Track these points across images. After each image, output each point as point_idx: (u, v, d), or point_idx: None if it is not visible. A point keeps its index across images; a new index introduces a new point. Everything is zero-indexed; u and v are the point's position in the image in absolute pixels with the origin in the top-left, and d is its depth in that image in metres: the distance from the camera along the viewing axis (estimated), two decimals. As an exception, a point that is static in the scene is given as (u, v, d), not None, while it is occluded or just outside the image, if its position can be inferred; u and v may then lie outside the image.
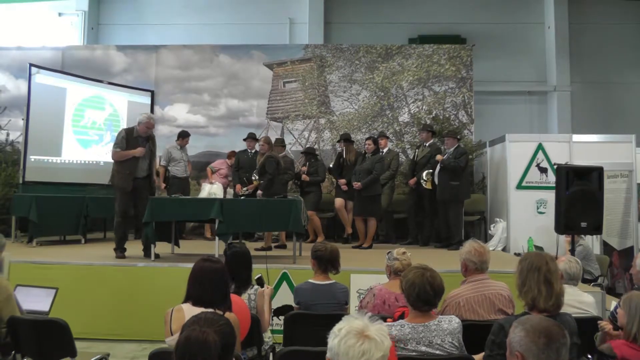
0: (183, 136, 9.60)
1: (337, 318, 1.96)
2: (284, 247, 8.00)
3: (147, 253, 6.67)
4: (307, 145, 10.43)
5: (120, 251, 6.74)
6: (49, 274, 5.92)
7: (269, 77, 11.10)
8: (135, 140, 6.82)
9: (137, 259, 6.56)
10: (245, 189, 8.58)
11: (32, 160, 9.13)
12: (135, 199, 6.84)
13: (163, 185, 9.42)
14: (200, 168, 10.43)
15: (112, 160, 6.89)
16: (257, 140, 9.25)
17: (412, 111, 10.69)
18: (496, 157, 9.64)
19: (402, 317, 3.19)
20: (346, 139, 9.08)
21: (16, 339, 3.74)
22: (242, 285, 4.04)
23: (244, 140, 9.37)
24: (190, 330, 2.06)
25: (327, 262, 4.27)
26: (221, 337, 2.06)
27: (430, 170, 8.58)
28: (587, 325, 3.51)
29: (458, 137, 8.91)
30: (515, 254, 7.98)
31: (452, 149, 8.45)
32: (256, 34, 12.11)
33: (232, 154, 9.14)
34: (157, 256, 6.59)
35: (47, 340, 3.70)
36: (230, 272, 3.64)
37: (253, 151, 9.18)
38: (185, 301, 3.10)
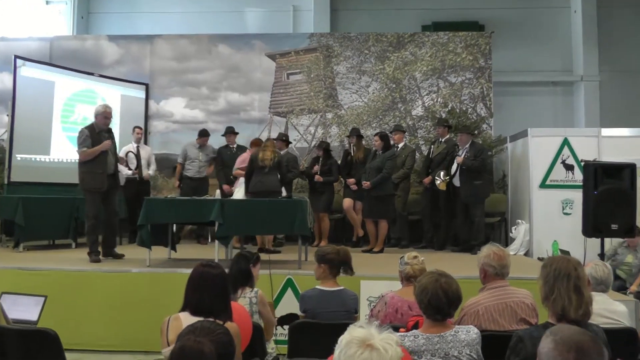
0: (201, 135, 9.65)
1: (346, 327, 1.96)
2: (276, 251, 7.99)
3: (112, 253, 7.05)
4: (314, 142, 10.43)
5: (95, 254, 6.86)
6: (37, 281, 5.93)
7: (272, 69, 11.10)
8: (98, 136, 7.00)
9: (131, 264, 6.57)
10: (234, 187, 8.61)
11: (18, 159, 9.19)
12: (105, 198, 7.03)
13: (177, 183, 9.48)
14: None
15: (78, 163, 7.06)
16: (236, 134, 9.44)
17: (426, 104, 10.68)
18: (518, 154, 9.61)
19: (416, 326, 3.18)
20: (358, 135, 9.08)
21: (2, 350, 3.75)
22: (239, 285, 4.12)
23: (223, 135, 9.49)
24: (185, 339, 2.07)
25: (340, 265, 4.29)
26: (218, 347, 2.06)
27: (447, 171, 8.53)
28: (618, 337, 3.46)
29: (473, 132, 8.87)
30: (538, 258, 7.96)
31: (467, 146, 8.43)
32: (257, 22, 12.13)
33: (256, 142, 8.78)
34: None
35: (35, 351, 3.70)
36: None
37: (235, 146, 9.29)
38: (182, 310, 3.11)
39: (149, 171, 9.51)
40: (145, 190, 9.23)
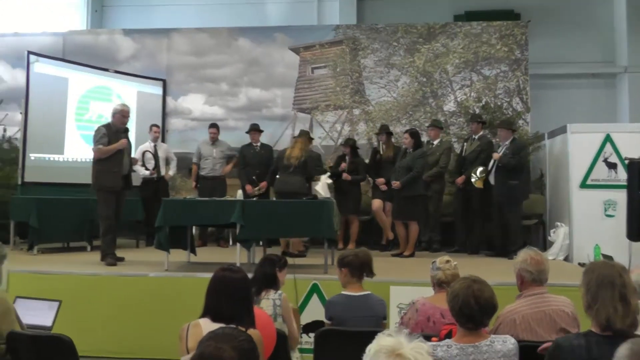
0: (210, 127, 9.72)
1: (374, 335, 1.96)
2: (301, 255, 8.00)
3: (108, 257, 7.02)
4: (340, 140, 10.42)
5: (112, 257, 6.97)
6: (52, 285, 6.04)
7: (295, 63, 11.14)
8: (115, 135, 7.14)
9: (148, 268, 6.64)
10: (257, 188, 8.64)
11: (32, 158, 9.31)
12: (116, 199, 7.14)
13: (194, 184, 9.55)
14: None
15: (93, 161, 7.20)
16: (261, 132, 9.39)
17: (458, 99, 10.63)
18: (556, 151, 9.51)
19: (449, 336, 3.17)
20: (387, 132, 9.08)
21: (16, 357, 3.81)
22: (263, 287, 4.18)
23: (247, 132, 9.46)
24: (205, 346, 2.08)
25: (360, 267, 4.31)
26: (240, 354, 2.07)
27: (485, 168, 8.46)
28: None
29: (514, 128, 8.79)
30: (579, 264, 7.86)
31: (507, 143, 8.36)
32: (280, 14, 12.15)
33: (348, 142, 9.08)
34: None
35: (49, 358, 3.76)
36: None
37: (259, 145, 9.29)
38: (203, 315, 3.13)
39: (170, 171, 9.60)
40: (164, 191, 9.30)
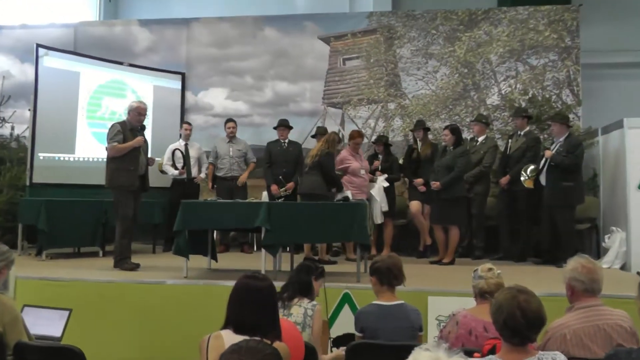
0: (225, 123, 9.77)
1: (410, 349, 1.95)
2: (331, 262, 8.03)
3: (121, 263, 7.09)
4: (374, 136, 10.40)
5: (128, 262, 7.05)
6: (61, 293, 6.11)
7: (325, 54, 11.16)
8: (130, 133, 7.27)
9: (166, 274, 6.69)
10: (283, 189, 8.66)
11: (41, 158, 9.45)
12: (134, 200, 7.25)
13: (210, 184, 9.60)
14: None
15: (107, 159, 7.30)
16: (290, 128, 9.37)
17: (503, 91, 10.55)
18: (611, 149, 9.39)
19: (492, 351, 3.15)
20: (424, 127, 9.08)
21: (24, 369, 3.87)
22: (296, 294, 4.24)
23: (275, 128, 9.42)
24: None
25: (388, 274, 4.31)
26: (265, 369, 2.08)
27: (536, 166, 8.35)
28: None
29: (569, 123, 8.67)
30: (637, 273, 7.77)
31: (562, 139, 8.26)
32: (309, 1, 12.18)
33: (354, 134, 8.94)
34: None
35: (59, 371, 3.81)
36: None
37: (286, 142, 9.27)
38: (224, 327, 3.14)
39: (201, 174, 9.68)
40: (194, 194, 9.35)
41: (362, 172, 8.59)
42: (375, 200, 8.58)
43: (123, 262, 7.06)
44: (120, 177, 7.15)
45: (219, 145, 9.67)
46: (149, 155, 7.77)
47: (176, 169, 9.24)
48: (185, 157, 9.39)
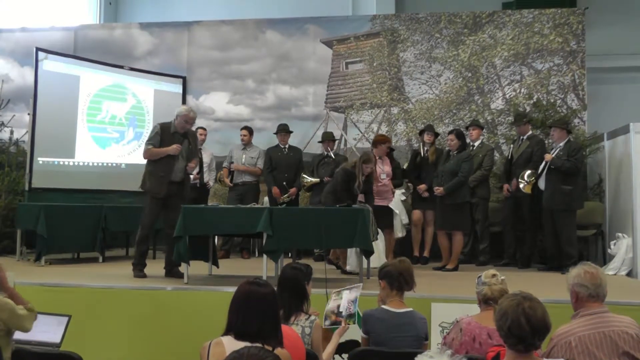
0: (241, 129, 9.82)
1: (414, 356, 1.96)
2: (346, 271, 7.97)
3: (173, 272, 6.98)
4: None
5: (139, 269, 7.03)
6: (61, 299, 6.11)
7: (328, 58, 11.16)
8: (171, 137, 7.15)
9: (166, 281, 6.72)
10: (286, 195, 8.65)
11: (40, 162, 9.47)
12: (166, 207, 7.11)
13: (228, 183, 9.60)
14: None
15: (145, 161, 7.24)
16: (290, 133, 9.45)
17: (507, 96, 10.55)
18: (617, 154, 9.38)
19: (496, 358, 3.16)
20: (434, 132, 9.10)
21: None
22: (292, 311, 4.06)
23: (275, 134, 9.51)
24: (229, 367, 2.09)
25: (399, 279, 4.30)
26: (267, 376, 2.08)
27: (534, 171, 8.37)
28: None
29: (569, 128, 8.68)
30: (644, 279, 7.78)
31: (561, 144, 8.27)
32: (311, 4, 12.17)
33: (379, 139, 8.77)
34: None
35: (58, 378, 3.81)
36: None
37: (287, 147, 9.35)
38: (225, 333, 3.14)
39: (210, 181, 9.70)
40: (204, 199, 9.38)
41: (384, 176, 8.46)
42: (396, 213, 8.58)
43: (134, 268, 7.05)
44: (149, 182, 7.10)
45: (234, 151, 9.71)
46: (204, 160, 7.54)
47: (191, 174, 9.25)
48: (200, 162, 9.39)
